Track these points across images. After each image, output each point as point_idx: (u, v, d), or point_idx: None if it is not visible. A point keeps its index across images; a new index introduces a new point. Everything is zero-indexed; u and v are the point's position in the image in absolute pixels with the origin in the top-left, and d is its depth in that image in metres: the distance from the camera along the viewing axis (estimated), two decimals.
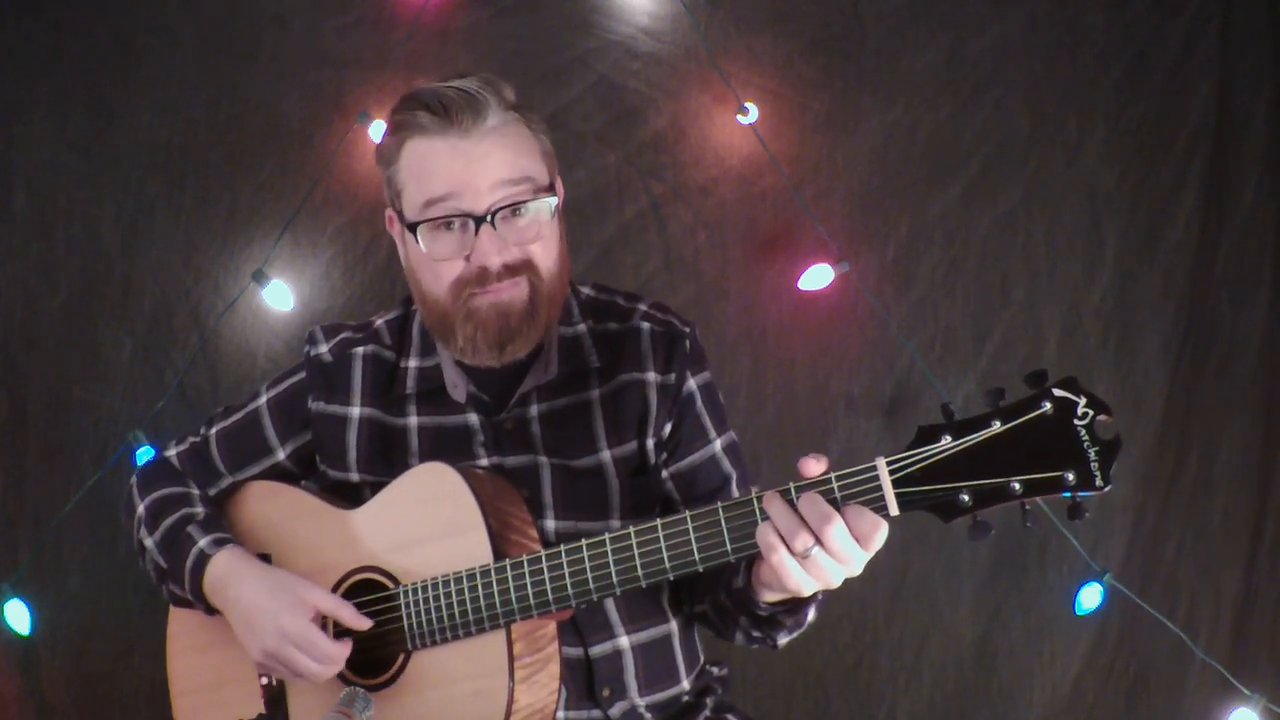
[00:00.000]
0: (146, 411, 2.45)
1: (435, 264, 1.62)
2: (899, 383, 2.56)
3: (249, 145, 2.51)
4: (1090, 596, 2.51)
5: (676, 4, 2.52)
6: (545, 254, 1.63)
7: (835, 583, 1.38)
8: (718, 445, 1.77)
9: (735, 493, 1.76)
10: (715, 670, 1.85)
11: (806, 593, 1.39)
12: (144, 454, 2.42)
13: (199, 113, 2.50)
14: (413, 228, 1.61)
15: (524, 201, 1.61)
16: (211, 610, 1.71)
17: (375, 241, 2.52)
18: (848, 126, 2.57)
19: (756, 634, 1.64)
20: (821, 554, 1.35)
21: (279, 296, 2.46)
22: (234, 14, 2.51)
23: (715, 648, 1.88)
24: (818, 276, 2.51)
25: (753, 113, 2.51)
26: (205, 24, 2.51)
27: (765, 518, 1.38)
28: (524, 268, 1.61)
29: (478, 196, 1.58)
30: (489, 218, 1.58)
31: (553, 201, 1.64)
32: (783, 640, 1.64)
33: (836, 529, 1.33)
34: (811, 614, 1.59)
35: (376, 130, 2.45)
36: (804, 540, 1.34)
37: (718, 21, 2.54)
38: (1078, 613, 2.53)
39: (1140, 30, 2.58)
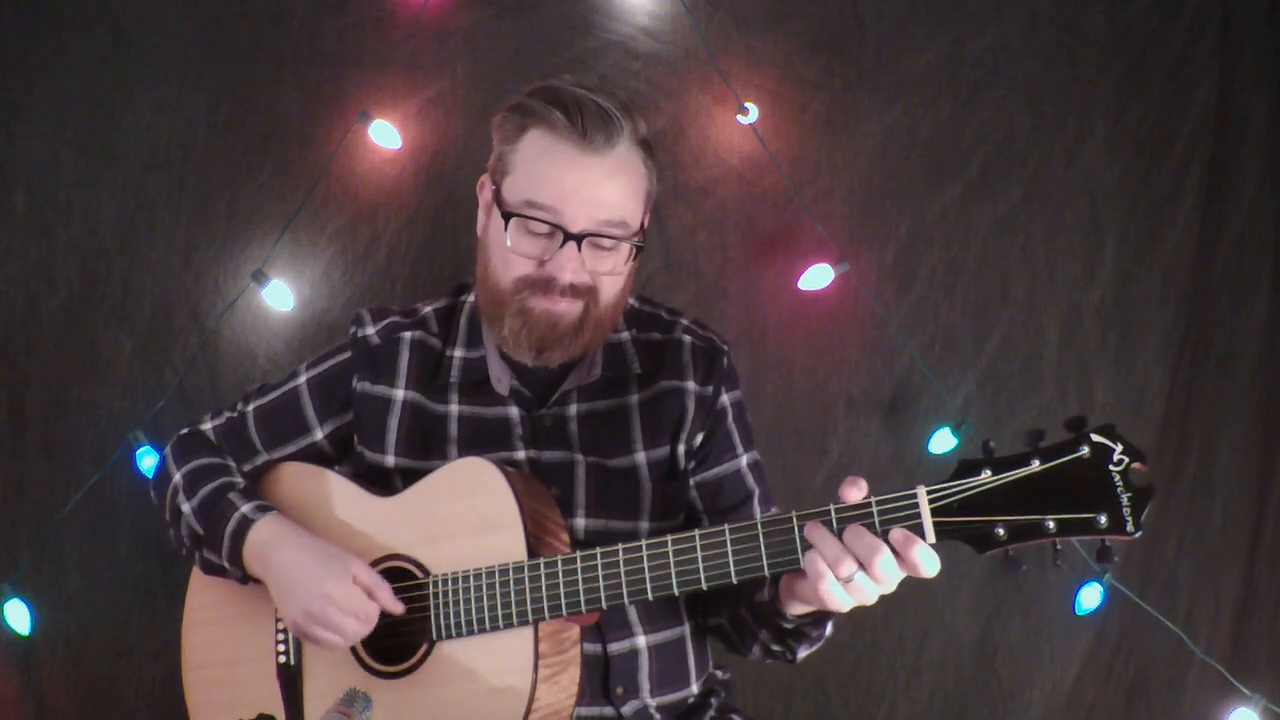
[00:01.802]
0: (146, 411, 2.45)
1: (511, 255, 1.65)
2: (899, 383, 2.56)
3: (249, 145, 2.51)
4: (1090, 596, 2.51)
5: (676, 4, 2.52)
6: (611, 286, 1.68)
7: (872, 600, 1.43)
8: (744, 461, 1.82)
9: (757, 508, 1.80)
10: (720, 674, 1.88)
11: (845, 609, 1.44)
12: (144, 454, 2.42)
13: (199, 113, 2.50)
14: (506, 216, 1.64)
15: (617, 238, 1.65)
16: (246, 579, 1.73)
17: (375, 241, 2.52)
18: (848, 126, 2.57)
19: (776, 648, 1.67)
20: (863, 577, 1.40)
21: (279, 296, 2.46)
22: (234, 14, 2.51)
23: (722, 653, 1.88)
24: (818, 276, 2.51)
25: (753, 113, 2.51)
26: (205, 24, 2.51)
27: (808, 546, 1.42)
28: (587, 293, 1.66)
29: (576, 217, 1.62)
30: (579, 239, 1.62)
31: (636, 250, 1.68)
32: (802, 654, 1.68)
33: (883, 559, 1.38)
34: (829, 627, 1.63)
35: (377, 130, 2.46)
36: (849, 567, 1.40)
37: (718, 21, 2.54)
38: (1078, 613, 2.53)
39: (1140, 30, 2.58)
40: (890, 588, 1.41)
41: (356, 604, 1.61)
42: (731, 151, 2.56)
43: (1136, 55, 2.58)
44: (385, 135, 2.47)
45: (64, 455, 2.47)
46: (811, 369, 2.56)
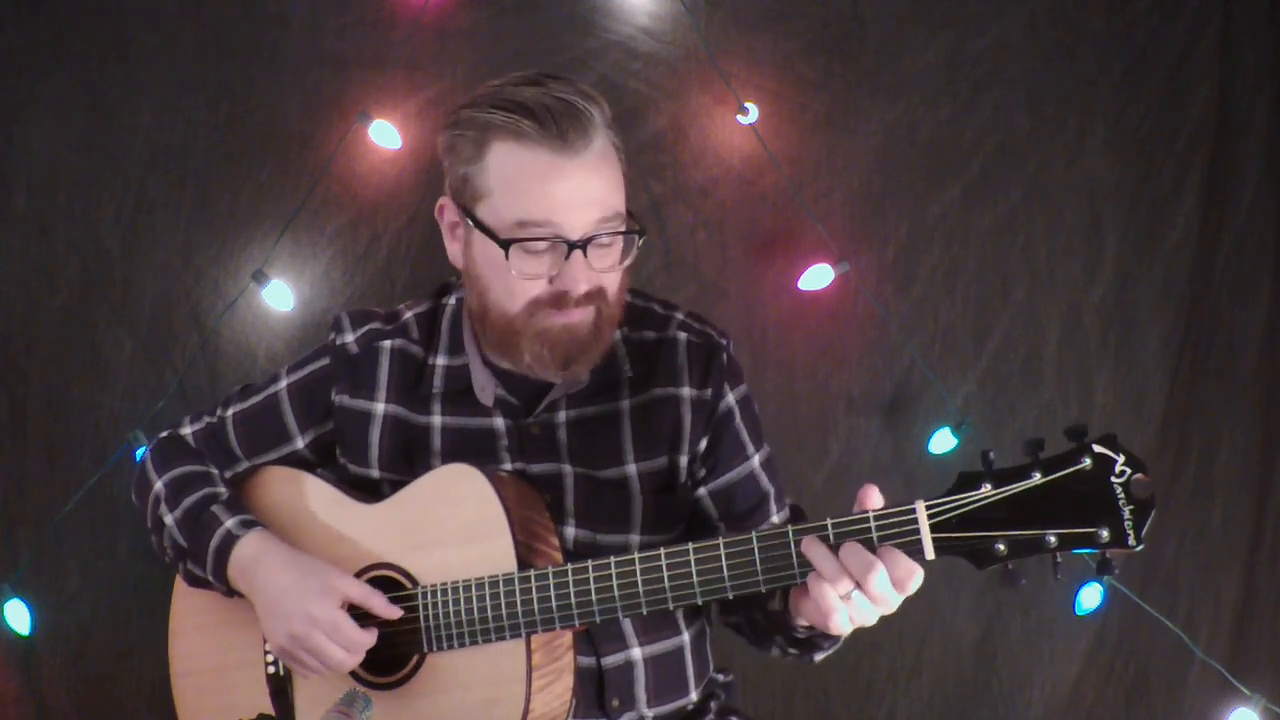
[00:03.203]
0: (146, 411, 2.45)
1: (516, 281, 1.56)
2: (899, 383, 2.56)
3: (249, 145, 2.51)
4: (1090, 596, 2.51)
5: (676, 4, 2.52)
6: (615, 282, 1.61)
7: (872, 621, 1.41)
8: (755, 461, 1.74)
9: (773, 509, 1.75)
10: (721, 677, 1.85)
11: (845, 632, 1.42)
12: (144, 454, 2.41)
13: (199, 113, 2.50)
14: (505, 245, 1.54)
15: (620, 233, 1.58)
16: (231, 592, 1.68)
17: (375, 241, 2.52)
18: (848, 126, 2.57)
19: (793, 651, 1.65)
20: (860, 597, 1.37)
21: (279, 296, 2.46)
22: (234, 14, 2.51)
23: (722, 655, 1.88)
24: (818, 276, 2.51)
25: (753, 113, 2.50)
26: (205, 24, 2.51)
27: (804, 563, 1.39)
28: (597, 296, 1.58)
29: (575, 224, 1.53)
30: (584, 246, 1.54)
31: (640, 240, 1.60)
32: (819, 657, 1.65)
33: (878, 576, 1.35)
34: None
35: (376, 130, 2.46)
36: (845, 585, 1.37)
37: (718, 21, 2.54)
38: (1078, 613, 2.53)
39: (1140, 30, 2.58)
40: (890, 607, 1.39)
41: (343, 630, 1.57)
42: (731, 151, 2.55)
43: (1136, 55, 2.58)
44: (385, 135, 2.47)
45: (64, 455, 2.47)
46: (811, 369, 2.56)
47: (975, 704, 2.57)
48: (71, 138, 2.48)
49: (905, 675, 2.56)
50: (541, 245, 1.55)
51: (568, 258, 1.54)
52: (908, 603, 1.41)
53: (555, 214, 1.53)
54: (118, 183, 2.49)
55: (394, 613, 1.59)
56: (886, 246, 2.57)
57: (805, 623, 1.51)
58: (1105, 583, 2.49)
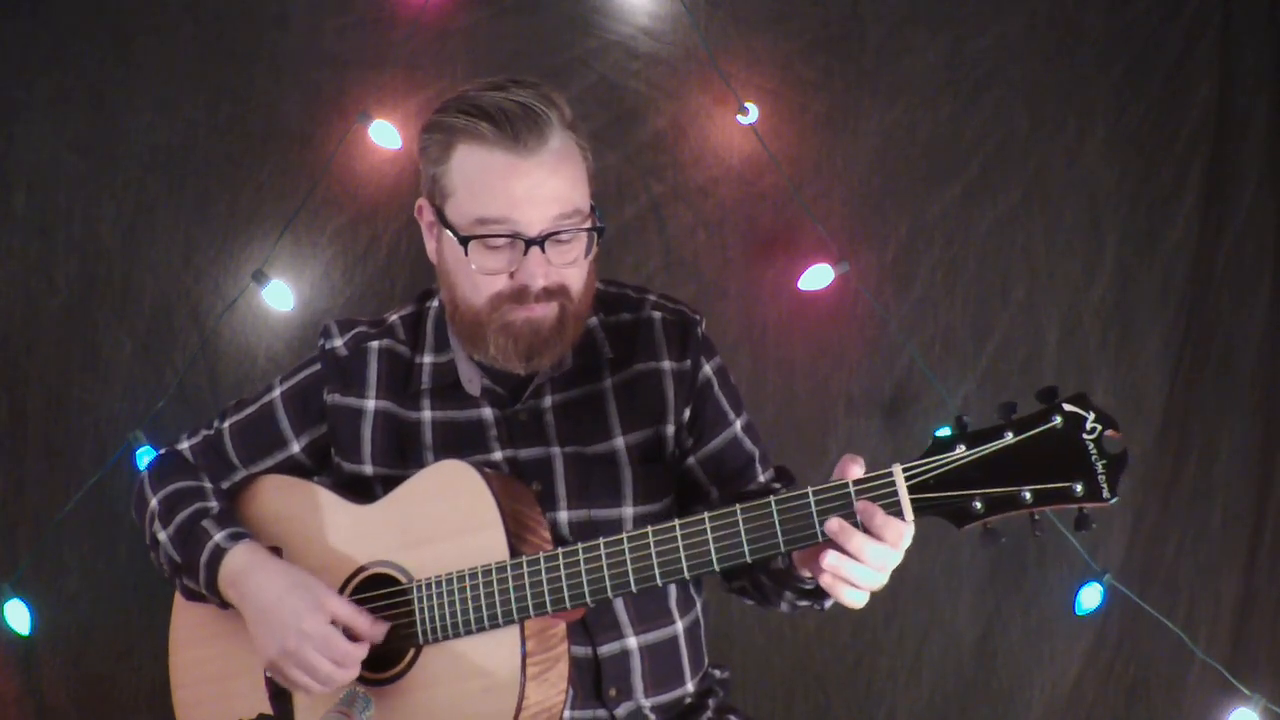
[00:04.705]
0: (146, 411, 2.45)
1: (478, 276, 1.62)
2: (899, 383, 2.56)
3: (249, 145, 2.51)
4: (1090, 596, 2.51)
5: (676, 4, 2.52)
6: (578, 278, 1.66)
7: (882, 581, 1.43)
8: (738, 426, 1.80)
9: (759, 470, 1.79)
10: (718, 673, 1.87)
11: (858, 604, 1.44)
12: (144, 454, 2.42)
13: (199, 113, 2.50)
14: (464, 241, 1.61)
15: (578, 230, 1.62)
16: (225, 605, 1.71)
17: (375, 241, 2.52)
18: (848, 126, 2.57)
19: (803, 603, 1.68)
20: (856, 566, 1.40)
21: (279, 296, 2.46)
22: (234, 14, 2.51)
23: (718, 651, 1.89)
24: (818, 276, 2.51)
25: (753, 113, 2.51)
26: (205, 24, 2.51)
27: (788, 531, 1.43)
28: (559, 292, 1.63)
29: (532, 221, 1.59)
30: (540, 243, 1.59)
31: (596, 236, 1.65)
32: (829, 602, 1.66)
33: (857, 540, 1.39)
34: None
35: (377, 130, 2.46)
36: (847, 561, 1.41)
37: (718, 21, 2.54)
38: (1078, 613, 2.53)
39: (1140, 30, 2.58)
40: (891, 562, 1.41)
41: (334, 645, 1.59)
42: (731, 151, 2.56)
43: (1136, 55, 2.58)
44: (385, 135, 2.47)
45: (64, 455, 2.47)
46: (811, 369, 2.56)
47: (975, 704, 2.57)
48: (71, 138, 2.49)
49: (905, 675, 2.56)
50: (500, 241, 1.60)
51: (525, 253, 1.59)
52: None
53: (513, 211, 1.59)
54: (118, 183, 2.50)
55: (378, 634, 1.62)
56: (886, 246, 2.57)
57: (810, 573, 1.54)
58: (1105, 583, 2.49)
